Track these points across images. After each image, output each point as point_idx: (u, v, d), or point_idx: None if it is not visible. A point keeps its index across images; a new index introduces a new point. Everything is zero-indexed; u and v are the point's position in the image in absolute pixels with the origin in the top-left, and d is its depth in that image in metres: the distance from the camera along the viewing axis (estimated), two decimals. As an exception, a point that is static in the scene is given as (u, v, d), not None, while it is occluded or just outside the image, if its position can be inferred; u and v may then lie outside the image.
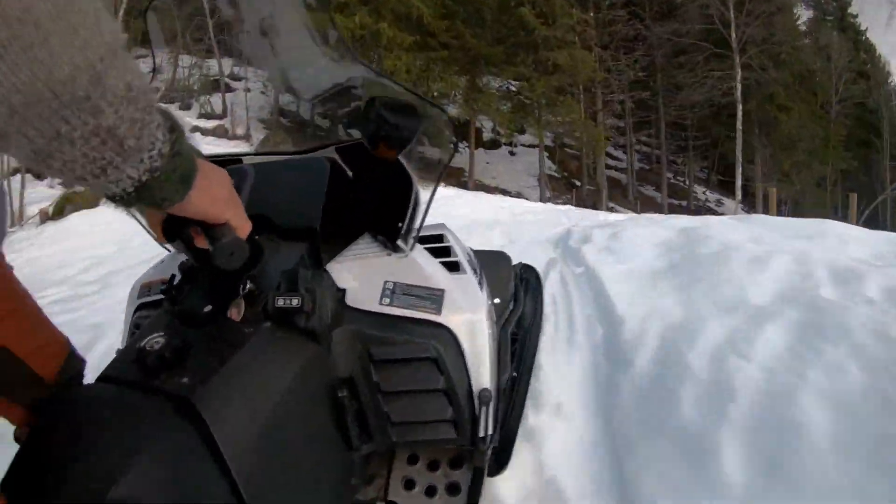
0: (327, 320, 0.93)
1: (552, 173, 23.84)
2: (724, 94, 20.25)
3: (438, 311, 1.02)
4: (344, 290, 1.01)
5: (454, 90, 19.70)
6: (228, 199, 0.64)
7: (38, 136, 0.43)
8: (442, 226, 1.26)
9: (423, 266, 1.09)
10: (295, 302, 0.83)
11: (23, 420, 0.93)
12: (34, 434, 0.68)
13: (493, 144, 25.41)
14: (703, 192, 29.35)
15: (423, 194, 1.10)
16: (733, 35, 19.20)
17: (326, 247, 1.02)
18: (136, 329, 1.15)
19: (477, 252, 1.36)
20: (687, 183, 28.11)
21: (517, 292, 1.84)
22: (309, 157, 1.19)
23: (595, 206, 18.64)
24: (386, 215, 1.09)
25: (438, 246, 1.21)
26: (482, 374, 1.08)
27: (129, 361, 0.74)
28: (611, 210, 19.23)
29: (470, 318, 1.06)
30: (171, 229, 0.65)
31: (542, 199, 17.94)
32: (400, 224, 1.07)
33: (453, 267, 1.16)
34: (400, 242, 1.07)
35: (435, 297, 1.03)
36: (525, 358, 1.70)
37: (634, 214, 6.30)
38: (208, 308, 0.80)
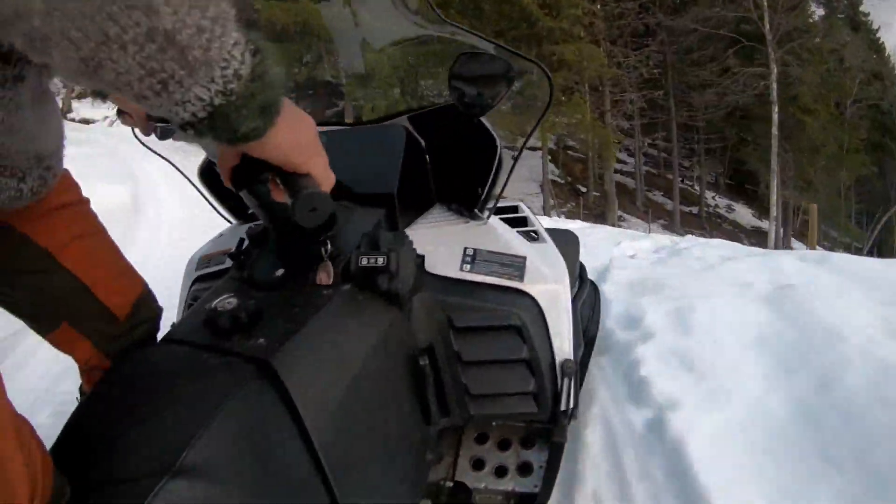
0: (409, 284, 0.86)
1: (555, 178, 22.67)
2: (759, 94, 18.20)
3: (521, 279, 0.99)
4: (423, 256, 0.97)
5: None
6: (314, 147, 0.56)
7: (83, 41, 0.37)
8: (516, 200, 1.29)
9: (502, 233, 1.07)
10: (380, 261, 0.80)
11: (88, 358, 0.90)
12: (96, 393, 0.66)
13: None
14: (713, 198, 28.28)
15: (506, 157, 1.06)
16: (767, 26, 16.72)
17: (402, 214, 1.00)
18: (194, 302, 1.05)
19: (546, 229, 1.31)
20: (697, 188, 26.99)
21: (582, 273, 1.76)
22: (382, 125, 1.17)
23: (603, 216, 17.50)
24: (464, 182, 1.08)
25: (514, 216, 1.23)
26: (565, 344, 1.04)
27: (199, 323, 0.72)
28: (620, 220, 18.14)
29: (553, 286, 1.04)
30: (243, 176, 0.57)
31: (546, 210, 16.76)
32: (480, 190, 1.05)
33: (531, 237, 1.16)
34: (478, 210, 1.07)
35: (517, 265, 1.00)
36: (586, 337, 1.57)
37: (667, 239, 5.25)
38: (280, 272, 0.80)
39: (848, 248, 26.52)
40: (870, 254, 29.56)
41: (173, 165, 1.19)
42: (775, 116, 15.96)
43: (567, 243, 1.55)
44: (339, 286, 0.79)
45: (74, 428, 0.59)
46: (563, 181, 23.09)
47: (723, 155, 27.78)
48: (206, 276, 1.14)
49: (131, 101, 0.42)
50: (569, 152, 24.92)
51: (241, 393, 0.61)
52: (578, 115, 17.87)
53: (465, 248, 1.01)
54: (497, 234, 1.05)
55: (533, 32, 17.30)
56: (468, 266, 0.99)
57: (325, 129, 1.05)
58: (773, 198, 16.50)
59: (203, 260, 1.18)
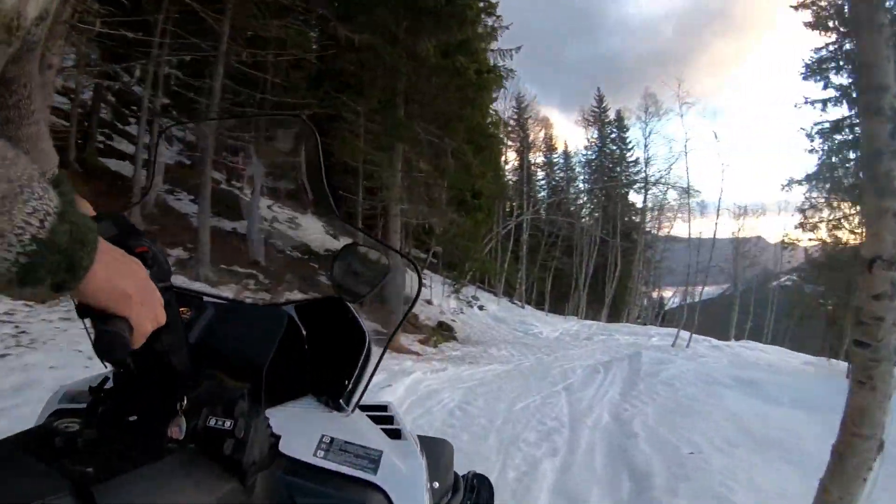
0: (255, 458, 0.87)
1: None
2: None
3: (374, 472, 0.99)
4: (279, 437, 0.97)
5: None
6: (136, 296, 0.64)
7: None
8: (388, 401, 1.34)
9: (363, 426, 1.11)
10: (227, 424, 0.82)
11: None
12: None
13: None
14: (269, 207, 18.34)
15: (375, 353, 1.14)
16: None
17: (269, 395, 1.02)
18: None
19: (419, 437, 1.33)
20: (239, 185, 16.25)
21: (457, 483, 1.75)
22: (268, 308, 1.25)
23: None
24: (334, 373, 1.13)
25: (381, 415, 1.25)
26: None
27: (36, 436, 0.75)
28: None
29: (407, 483, 1.04)
30: (83, 307, 0.64)
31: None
32: (347, 381, 1.11)
33: (394, 435, 1.18)
34: (343, 401, 1.11)
35: (372, 458, 1.01)
36: None
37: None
38: (133, 418, 0.82)
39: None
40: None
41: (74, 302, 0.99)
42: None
43: (441, 451, 1.58)
44: (187, 444, 0.80)
45: None
46: None
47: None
48: (65, 411, 1.02)
49: None
50: None
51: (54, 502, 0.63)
52: None
53: (323, 436, 1.01)
54: (357, 427, 1.08)
55: None
56: (322, 453, 0.98)
57: (216, 301, 1.16)
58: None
59: (68, 394, 1.12)
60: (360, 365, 1.11)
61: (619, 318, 30.76)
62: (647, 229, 35.21)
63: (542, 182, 38.19)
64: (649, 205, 34.89)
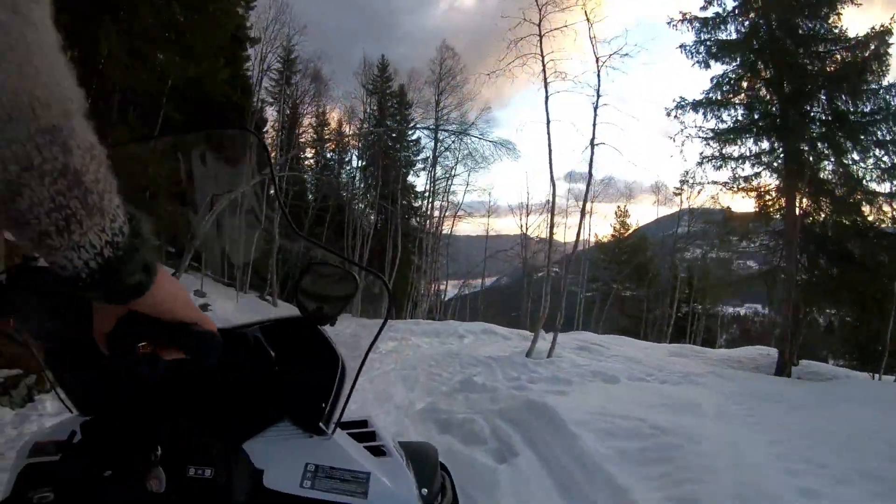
0: (241, 499, 0.87)
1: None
2: None
3: (365, 496, 0.96)
4: (262, 471, 0.94)
5: None
6: (190, 300, 0.63)
7: (12, 162, 0.42)
8: (367, 415, 1.26)
9: (346, 448, 1.06)
10: (208, 473, 0.80)
11: None
12: None
13: None
14: None
15: (349, 372, 1.09)
16: None
17: (244, 426, 1.00)
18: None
19: (402, 443, 1.31)
20: None
21: (444, 484, 1.68)
22: (233, 333, 1.11)
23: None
24: (309, 396, 1.08)
25: (362, 431, 1.20)
26: None
27: None
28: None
29: (399, 502, 1.03)
30: (120, 338, 0.59)
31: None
32: (324, 404, 1.06)
33: (378, 452, 1.14)
34: (322, 424, 1.06)
35: (360, 481, 0.98)
36: None
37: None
38: (108, 473, 0.78)
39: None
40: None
41: (35, 352, 1.05)
42: None
43: (426, 455, 1.55)
44: (169, 496, 0.78)
45: None
46: None
47: None
48: (37, 466, 0.99)
49: (33, 235, 0.45)
50: None
51: None
52: None
53: (307, 464, 0.97)
54: (341, 450, 1.03)
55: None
56: (309, 483, 0.95)
57: None
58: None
59: (38, 446, 1.04)
60: (336, 386, 1.05)
61: (399, 314, 25.63)
62: (433, 213, 31.03)
63: (311, 160, 31.58)
64: (438, 172, 30.68)
